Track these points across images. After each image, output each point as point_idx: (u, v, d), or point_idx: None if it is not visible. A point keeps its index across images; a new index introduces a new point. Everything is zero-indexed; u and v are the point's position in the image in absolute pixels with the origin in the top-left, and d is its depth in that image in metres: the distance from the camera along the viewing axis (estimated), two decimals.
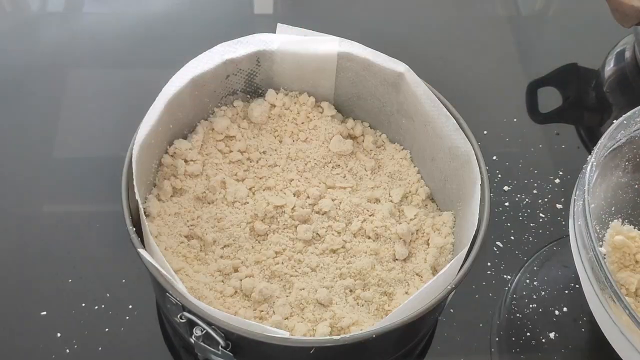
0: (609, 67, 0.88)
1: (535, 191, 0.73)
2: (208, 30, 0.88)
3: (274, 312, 0.56)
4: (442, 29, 0.91)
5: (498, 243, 0.69)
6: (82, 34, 0.87)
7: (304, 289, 0.57)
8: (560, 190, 0.74)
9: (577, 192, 0.58)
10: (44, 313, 0.61)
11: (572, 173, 0.75)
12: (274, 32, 0.64)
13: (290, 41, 0.63)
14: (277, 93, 0.67)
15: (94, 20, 0.89)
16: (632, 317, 0.51)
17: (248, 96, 0.67)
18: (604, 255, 0.62)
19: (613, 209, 0.65)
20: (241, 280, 0.57)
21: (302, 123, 0.67)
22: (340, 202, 0.63)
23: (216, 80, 0.63)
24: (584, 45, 0.91)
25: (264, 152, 0.66)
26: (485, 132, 0.77)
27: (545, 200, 0.73)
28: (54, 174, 0.72)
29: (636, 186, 0.67)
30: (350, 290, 0.58)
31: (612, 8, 0.78)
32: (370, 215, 0.62)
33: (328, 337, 0.49)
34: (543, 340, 0.63)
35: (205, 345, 0.50)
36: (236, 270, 0.58)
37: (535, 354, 0.62)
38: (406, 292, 0.58)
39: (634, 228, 0.66)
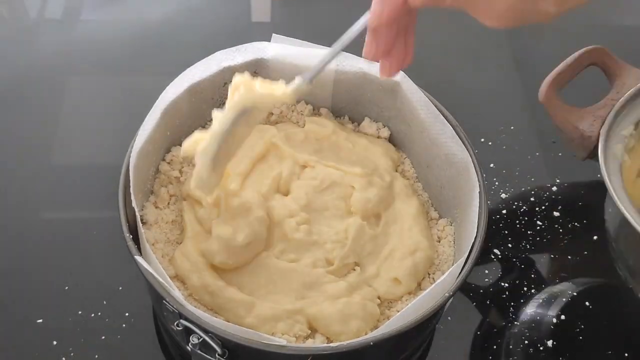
0: None
1: (532, 199, 0.73)
2: (205, 37, 0.88)
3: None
4: (439, 36, 0.92)
5: (495, 251, 0.69)
6: (79, 42, 0.87)
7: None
8: (558, 198, 0.74)
9: None
10: (40, 321, 0.61)
11: (569, 181, 0.75)
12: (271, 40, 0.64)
13: (288, 51, 0.63)
14: None
15: (92, 28, 0.89)
16: None
17: None
18: None
19: None
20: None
21: None
22: None
23: (213, 88, 0.63)
24: None
25: None
26: (482, 139, 0.78)
27: (543, 208, 0.73)
28: (52, 181, 0.72)
29: None
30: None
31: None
32: None
33: (325, 345, 0.49)
34: (541, 349, 0.63)
35: (202, 353, 0.50)
36: None
37: None
38: (404, 300, 0.58)
39: None
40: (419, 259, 0.58)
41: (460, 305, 0.64)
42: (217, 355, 0.49)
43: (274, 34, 0.64)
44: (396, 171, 0.65)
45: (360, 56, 0.63)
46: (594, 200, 0.74)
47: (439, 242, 0.61)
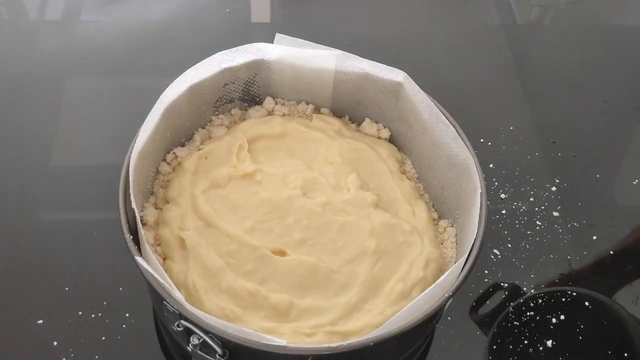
0: None
1: (532, 199, 0.73)
2: (205, 38, 0.88)
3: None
4: (439, 37, 0.92)
5: (495, 251, 0.69)
6: (79, 43, 0.87)
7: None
8: (557, 198, 0.74)
9: None
10: (41, 322, 0.61)
11: (569, 181, 0.75)
12: (271, 41, 0.64)
13: (288, 52, 0.63)
14: (274, 101, 0.67)
15: (92, 29, 0.89)
16: None
17: (245, 104, 0.67)
18: None
19: None
20: None
21: None
22: None
23: (214, 89, 0.63)
24: (579, 52, 0.92)
25: None
26: (482, 140, 0.78)
27: (542, 208, 0.73)
28: (52, 182, 0.72)
29: None
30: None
31: None
32: None
33: (325, 345, 0.49)
34: (540, 349, 0.63)
35: (203, 354, 0.50)
36: None
37: None
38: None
39: None
40: (430, 273, 0.58)
41: (460, 305, 0.64)
42: (217, 355, 0.49)
43: (277, 34, 0.64)
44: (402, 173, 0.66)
45: (362, 56, 0.63)
46: (594, 200, 0.74)
47: (442, 244, 0.61)
